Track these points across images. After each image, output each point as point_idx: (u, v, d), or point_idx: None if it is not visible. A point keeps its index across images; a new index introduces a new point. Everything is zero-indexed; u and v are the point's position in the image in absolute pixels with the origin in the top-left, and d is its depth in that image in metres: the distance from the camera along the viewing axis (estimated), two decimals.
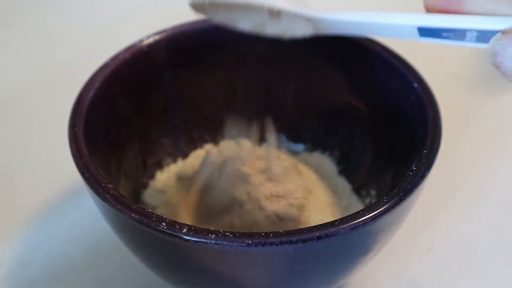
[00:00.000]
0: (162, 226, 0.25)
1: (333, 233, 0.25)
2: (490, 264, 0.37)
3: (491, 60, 0.22)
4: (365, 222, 0.26)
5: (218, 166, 0.36)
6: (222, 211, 0.34)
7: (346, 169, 0.40)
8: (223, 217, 0.34)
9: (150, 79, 0.37)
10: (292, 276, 0.28)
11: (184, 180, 0.38)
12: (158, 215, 0.26)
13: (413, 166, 0.29)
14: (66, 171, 0.37)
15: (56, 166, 0.43)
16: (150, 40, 0.36)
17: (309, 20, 0.30)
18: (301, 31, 0.31)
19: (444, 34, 0.25)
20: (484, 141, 0.46)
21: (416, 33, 0.26)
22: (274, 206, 0.34)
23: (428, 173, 0.28)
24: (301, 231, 0.25)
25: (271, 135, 0.41)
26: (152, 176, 0.39)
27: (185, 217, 0.35)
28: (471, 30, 0.24)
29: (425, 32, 0.26)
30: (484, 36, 0.23)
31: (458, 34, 0.24)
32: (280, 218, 0.34)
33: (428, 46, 0.57)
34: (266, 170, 0.35)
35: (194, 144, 0.41)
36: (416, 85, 0.33)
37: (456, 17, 0.24)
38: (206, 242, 0.25)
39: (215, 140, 0.42)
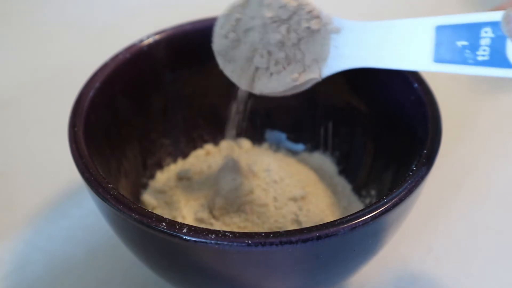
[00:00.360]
0: (162, 226, 0.25)
1: (333, 233, 0.25)
2: (490, 264, 0.37)
3: (505, 28, 0.23)
4: (365, 222, 0.26)
5: (223, 166, 0.36)
6: (233, 210, 0.35)
7: (346, 169, 0.40)
8: (235, 216, 0.34)
9: (150, 79, 0.37)
10: (292, 276, 0.28)
11: (184, 180, 0.38)
12: (158, 215, 0.26)
13: (413, 166, 0.29)
14: (66, 171, 0.37)
15: (56, 166, 0.43)
16: (150, 40, 0.36)
17: (327, 31, 0.29)
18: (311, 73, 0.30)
19: (459, 43, 0.24)
20: (484, 141, 0.46)
21: (431, 57, 0.25)
22: (287, 208, 0.35)
23: (428, 173, 0.28)
24: (301, 231, 0.25)
25: (270, 133, 0.41)
26: (152, 176, 0.39)
27: (187, 217, 0.36)
28: (486, 26, 0.24)
29: (440, 49, 0.25)
30: (499, 42, 0.23)
31: (473, 38, 0.24)
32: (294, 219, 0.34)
33: None
34: (268, 171, 0.36)
35: (194, 144, 0.41)
36: (416, 85, 0.33)
37: (471, 14, 0.24)
38: (206, 242, 0.25)
39: (215, 140, 0.42)
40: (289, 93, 0.30)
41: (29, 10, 0.62)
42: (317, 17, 0.29)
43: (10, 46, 0.57)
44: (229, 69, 0.31)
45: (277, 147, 0.42)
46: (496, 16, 0.23)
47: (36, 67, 0.54)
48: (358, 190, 0.38)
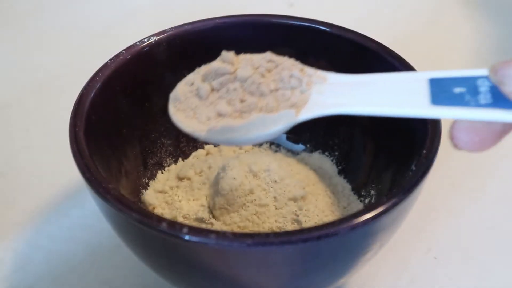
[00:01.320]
0: (162, 226, 0.25)
1: (333, 233, 0.25)
2: (488, 264, 0.37)
3: (494, 78, 0.22)
4: (365, 222, 0.26)
5: (222, 166, 0.36)
6: (234, 209, 0.35)
7: (346, 169, 0.40)
8: (234, 214, 0.34)
9: (150, 79, 0.37)
10: (292, 276, 0.28)
11: (185, 180, 0.38)
12: (159, 215, 0.26)
13: (413, 166, 0.29)
14: (67, 171, 0.37)
15: (57, 166, 0.44)
16: (151, 40, 0.36)
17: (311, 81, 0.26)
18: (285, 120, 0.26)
19: (456, 89, 0.23)
20: None
21: (428, 101, 0.24)
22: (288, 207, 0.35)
23: (427, 173, 0.28)
24: (301, 231, 0.25)
25: None
26: (153, 176, 0.39)
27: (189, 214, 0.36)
28: (480, 78, 0.23)
29: (436, 95, 0.23)
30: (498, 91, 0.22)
31: (470, 86, 0.23)
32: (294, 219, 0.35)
33: (428, 48, 0.58)
34: (268, 170, 0.36)
35: (195, 144, 0.41)
36: None
37: (463, 70, 0.23)
38: (206, 242, 0.25)
39: None
40: (256, 141, 0.26)
41: (30, 11, 0.62)
42: (302, 69, 0.27)
43: (11, 47, 0.57)
44: (182, 116, 0.28)
45: (277, 147, 0.42)
46: (486, 71, 0.23)
47: (37, 68, 0.54)
48: (358, 190, 0.39)
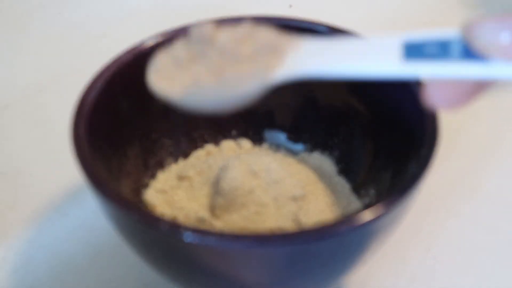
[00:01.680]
0: (163, 227, 0.26)
1: (333, 233, 0.25)
2: (487, 264, 0.38)
3: (466, 35, 0.23)
4: (365, 222, 0.26)
5: (223, 165, 0.36)
6: (234, 208, 0.35)
7: (346, 168, 0.40)
8: (234, 213, 0.35)
9: None
10: (292, 275, 0.28)
11: (185, 179, 0.38)
12: (159, 215, 0.26)
13: (412, 166, 0.29)
14: (69, 171, 0.37)
15: (58, 166, 0.44)
16: (152, 41, 0.37)
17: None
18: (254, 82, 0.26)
19: (429, 49, 0.24)
20: (482, 141, 0.47)
21: (400, 57, 0.24)
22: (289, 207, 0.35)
23: (427, 173, 0.29)
24: (301, 231, 0.25)
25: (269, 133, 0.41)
26: (153, 176, 0.39)
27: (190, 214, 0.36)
28: (455, 38, 0.23)
29: (409, 54, 0.24)
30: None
31: (443, 46, 0.23)
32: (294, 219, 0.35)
33: None
34: (268, 171, 0.36)
35: (195, 144, 0.42)
36: (415, 85, 0.33)
37: (440, 30, 0.24)
38: (207, 243, 0.25)
39: (215, 140, 0.42)
40: (229, 103, 0.27)
41: (30, 11, 0.62)
42: (277, 36, 0.27)
43: (13, 48, 0.57)
44: (159, 82, 0.28)
45: (277, 147, 0.42)
46: (458, 30, 0.23)
47: (38, 68, 0.54)
48: (357, 189, 0.39)
